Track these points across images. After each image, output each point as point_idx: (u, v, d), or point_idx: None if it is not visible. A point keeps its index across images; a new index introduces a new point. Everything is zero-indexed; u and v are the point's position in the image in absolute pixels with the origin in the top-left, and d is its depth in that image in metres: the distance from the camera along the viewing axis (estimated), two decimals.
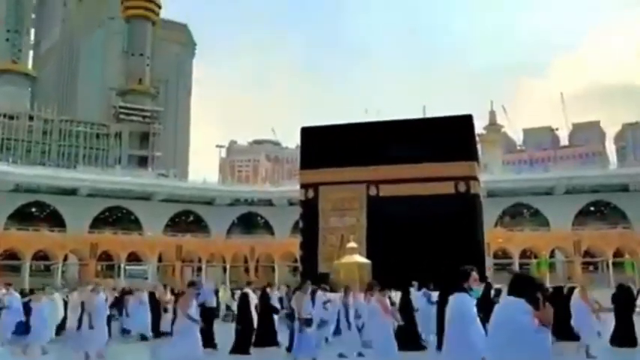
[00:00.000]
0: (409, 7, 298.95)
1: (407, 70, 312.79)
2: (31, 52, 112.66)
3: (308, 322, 10.78)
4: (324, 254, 26.87)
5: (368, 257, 23.67)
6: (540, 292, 4.35)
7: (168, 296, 17.55)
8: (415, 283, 15.66)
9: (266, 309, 14.18)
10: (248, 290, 14.45)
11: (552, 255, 54.30)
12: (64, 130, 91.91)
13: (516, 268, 50.36)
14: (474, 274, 6.00)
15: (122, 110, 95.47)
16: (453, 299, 5.89)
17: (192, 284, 9.62)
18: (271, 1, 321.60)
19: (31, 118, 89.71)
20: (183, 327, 8.71)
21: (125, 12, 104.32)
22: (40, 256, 52.51)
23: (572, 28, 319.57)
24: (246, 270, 57.30)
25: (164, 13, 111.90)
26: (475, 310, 5.84)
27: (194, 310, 8.96)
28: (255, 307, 14.07)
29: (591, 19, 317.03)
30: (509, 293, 4.41)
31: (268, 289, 15.16)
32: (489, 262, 41.96)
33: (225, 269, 56.98)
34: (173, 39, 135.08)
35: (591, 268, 54.70)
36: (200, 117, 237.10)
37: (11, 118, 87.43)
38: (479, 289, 6.40)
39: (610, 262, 49.78)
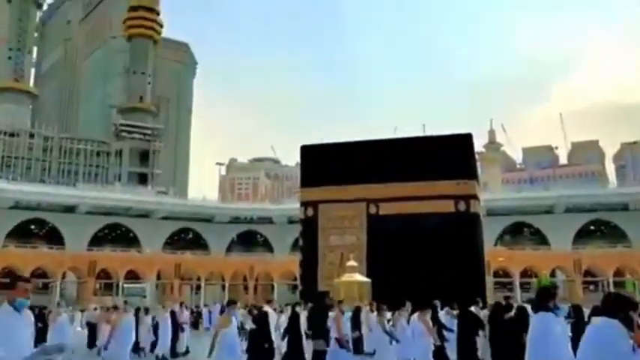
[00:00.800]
0: (409, 23, 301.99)
1: (407, 85, 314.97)
2: (32, 70, 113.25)
3: (348, 343, 10.44)
4: (323, 272, 26.69)
5: (368, 275, 23.46)
6: (635, 312, 4.11)
7: (185, 314, 17.22)
8: (437, 302, 15.44)
9: (297, 329, 13.60)
10: (268, 309, 14.17)
11: (553, 274, 54.06)
12: (65, 147, 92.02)
13: (517, 287, 50.25)
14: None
15: (123, 128, 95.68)
16: (536, 318, 5.73)
17: (232, 303, 9.64)
18: (272, 20, 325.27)
19: (31, 135, 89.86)
20: (222, 346, 8.66)
21: (127, 31, 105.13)
22: (39, 273, 52.21)
23: (571, 46, 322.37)
24: (246, 288, 56.98)
25: (166, 32, 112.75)
26: (559, 329, 5.64)
27: (235, 329, 8.95)
28: (275, 327, 13.73)
29: (591, 36, 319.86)
30: (602, 313, 4.18)
31: (298, 309, 14.54)
32: (490, 281, 41.75)
33: (224, 287, 56.62)
34: (174, 58, 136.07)
35: (592, 287, 54.39)
36: (200, 135, 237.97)
37: (12, 135, 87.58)
38: (565, 307, 6.24)
39: (611, 281, 49.56)
